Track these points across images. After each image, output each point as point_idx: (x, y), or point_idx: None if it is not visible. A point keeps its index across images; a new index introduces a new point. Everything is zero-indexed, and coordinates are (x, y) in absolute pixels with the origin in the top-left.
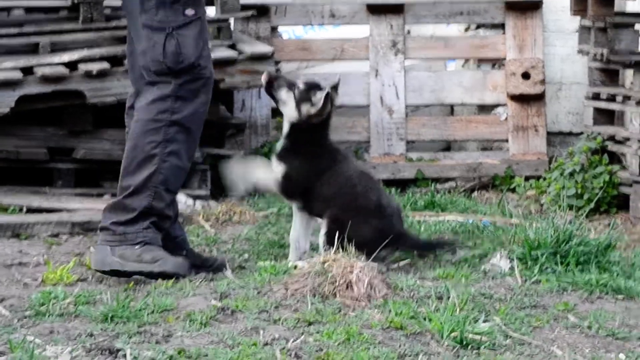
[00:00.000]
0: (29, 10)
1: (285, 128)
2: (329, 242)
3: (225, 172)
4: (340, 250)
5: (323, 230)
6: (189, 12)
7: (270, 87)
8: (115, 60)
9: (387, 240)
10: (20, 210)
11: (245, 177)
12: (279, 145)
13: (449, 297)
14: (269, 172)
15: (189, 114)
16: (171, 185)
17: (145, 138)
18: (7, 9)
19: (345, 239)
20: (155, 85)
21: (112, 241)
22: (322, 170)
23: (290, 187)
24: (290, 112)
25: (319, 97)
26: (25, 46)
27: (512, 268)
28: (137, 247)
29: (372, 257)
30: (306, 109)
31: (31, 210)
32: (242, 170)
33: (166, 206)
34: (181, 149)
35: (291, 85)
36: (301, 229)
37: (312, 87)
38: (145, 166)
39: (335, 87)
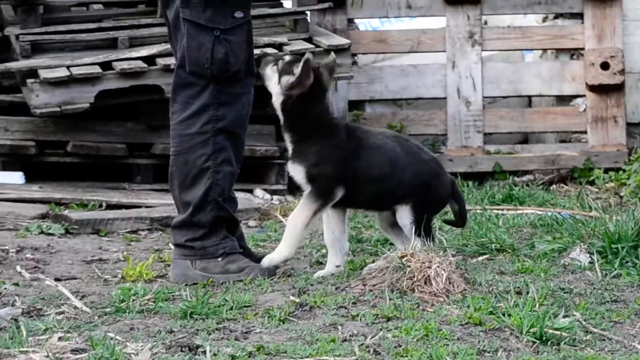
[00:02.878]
0: (107, 4)
1: (281, 119)
2: (422, 230)
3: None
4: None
5: (408, 219)
6: (238, 14)
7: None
8: None
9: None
10: (100, 206)
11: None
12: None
13: (528, 292)
14: (303, 204)
15: (233, 119)
16: (227, 192)
17: (194, 152)
18: (86, 4)
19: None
20: (190, 89)
21: (192, 255)
22: (351, 149)
23: (326, 184)
24: (273, 88)
25: (298, 66)
26: (104, 41)
27: (591, 262)
28: (219, 259)
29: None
30: (286, 79)
31: (110, 206)
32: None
33: (232, 211)
34: (231, 155)
35: (277, 60)
36: (339, 228)
37: (297, 60)
38: (201, 181)
39: (330, 65)
